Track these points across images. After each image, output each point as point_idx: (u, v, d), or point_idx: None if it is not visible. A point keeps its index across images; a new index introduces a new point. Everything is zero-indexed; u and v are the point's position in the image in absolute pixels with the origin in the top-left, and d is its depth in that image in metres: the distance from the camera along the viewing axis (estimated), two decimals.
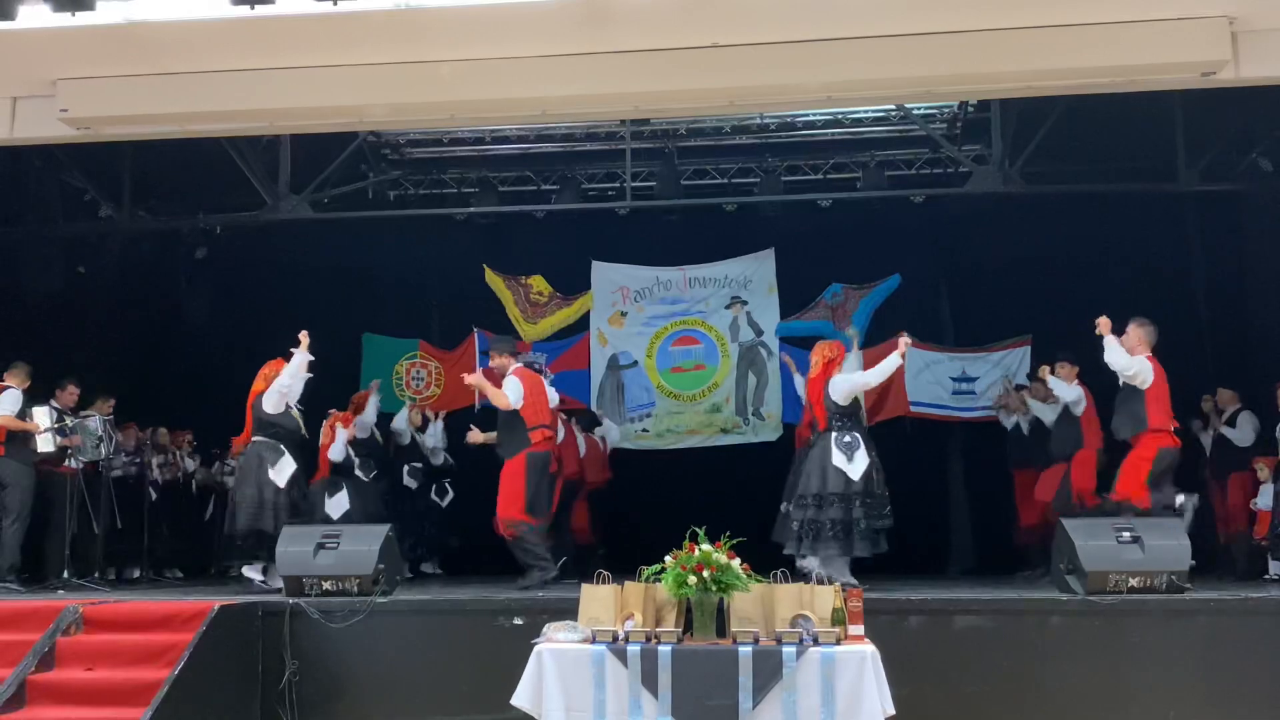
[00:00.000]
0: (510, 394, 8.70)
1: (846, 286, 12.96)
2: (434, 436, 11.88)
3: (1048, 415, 10.06)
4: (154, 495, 11.28)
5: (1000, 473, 11.23)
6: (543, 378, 9.72)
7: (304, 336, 8.75)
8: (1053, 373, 9.61)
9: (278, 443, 8.74)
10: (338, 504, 9.83)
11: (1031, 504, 10.38)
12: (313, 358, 8.86)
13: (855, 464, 8.09)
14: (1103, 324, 8.05)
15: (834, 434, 8.24)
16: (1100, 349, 8.18)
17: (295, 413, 8.88)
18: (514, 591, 8.02)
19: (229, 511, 8.97)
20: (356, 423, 10.34)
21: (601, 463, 12.01)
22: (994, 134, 11.03)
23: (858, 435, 8.24)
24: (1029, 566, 10.41)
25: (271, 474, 8.61)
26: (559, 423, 10.50)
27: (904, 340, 8.42)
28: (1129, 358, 8.02)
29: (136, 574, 11.05)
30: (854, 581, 7.87)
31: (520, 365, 9.07)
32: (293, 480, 8.71)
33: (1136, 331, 8.18)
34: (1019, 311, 12.37)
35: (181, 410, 12.23)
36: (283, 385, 8.70)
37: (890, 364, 8.33)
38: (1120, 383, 8.24)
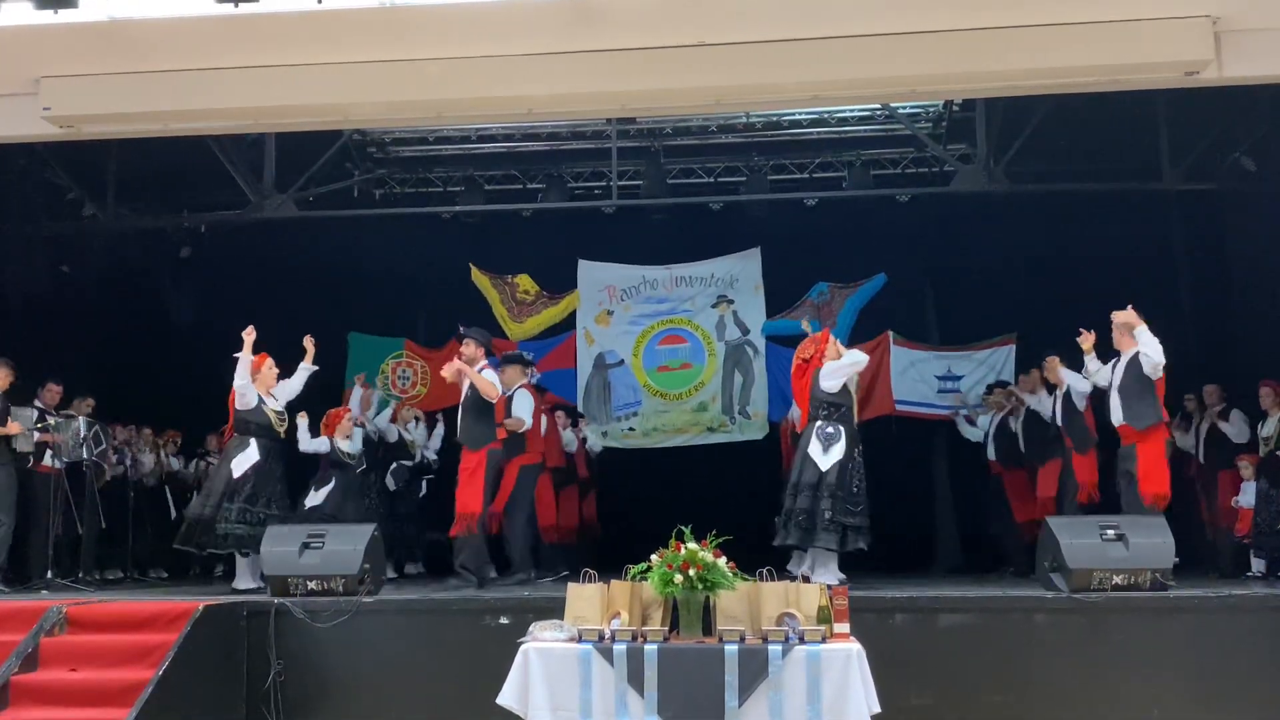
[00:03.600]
0: (498, 383, 8.74)
1: (832, 285, 13.00)
2: (427, 437, 11.87)
3: (1046, 409, 10.05)
4: (137, 495, 11.21)
5: (985, 471, 11.26)
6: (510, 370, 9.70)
7: (247, 334, 8.72)
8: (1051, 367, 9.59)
9: (247, 437, 8.77)
10: (313, 498, 9.83)
11: (1030, 501, 10.40)
12: (253, 356, 8.80)
13: (829, 455, 8.07)
14: (1130, 316, 8.04)
15: (818, 424, 8.25)
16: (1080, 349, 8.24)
17: (268, 409, 8.87)
18: (499, 590, 8.02)
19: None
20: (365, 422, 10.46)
21: (584, 461, 12.00)
22: (979, 133, 11.07)
23: (841, 429, 8.21)
24: (1010, 564, 10.48)
25: (233, 464, 8.69)
26: (544, 416, 10.52)
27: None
28: (1160, 347, 7.97)
29: (120, 574, 11.00)
30: (842, 578, 7.89)
31: (488, 363, 9.07)
32: (253, 469, 8.71)
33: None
34: (1004, 310, 12.42)
35: (166, 410, 12.18)
36: (236, 384, 8.74)
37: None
38: (1106, 376, 8.27)
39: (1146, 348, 7.99)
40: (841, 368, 8.32)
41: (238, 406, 8.82)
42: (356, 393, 11.05)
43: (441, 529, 11.40)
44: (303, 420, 9.77)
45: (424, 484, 11.76)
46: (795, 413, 10.15)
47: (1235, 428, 10.17)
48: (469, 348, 9.08)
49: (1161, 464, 8.04)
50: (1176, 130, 10.72)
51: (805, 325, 10.25)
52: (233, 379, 8.78)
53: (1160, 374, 8.00)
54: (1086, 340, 8.47)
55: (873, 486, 8.38)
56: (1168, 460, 8.20)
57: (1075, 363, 9.11)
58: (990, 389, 11.62)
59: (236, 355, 8.72)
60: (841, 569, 8.36)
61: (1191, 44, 7.19)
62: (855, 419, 8.49)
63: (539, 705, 5.30)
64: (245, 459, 8.72)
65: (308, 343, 9.20)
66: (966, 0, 7.08)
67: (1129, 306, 8.13)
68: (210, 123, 8.56)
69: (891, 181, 12.60)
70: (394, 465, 11.41)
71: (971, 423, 11.61)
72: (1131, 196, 11.49)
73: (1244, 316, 11.29)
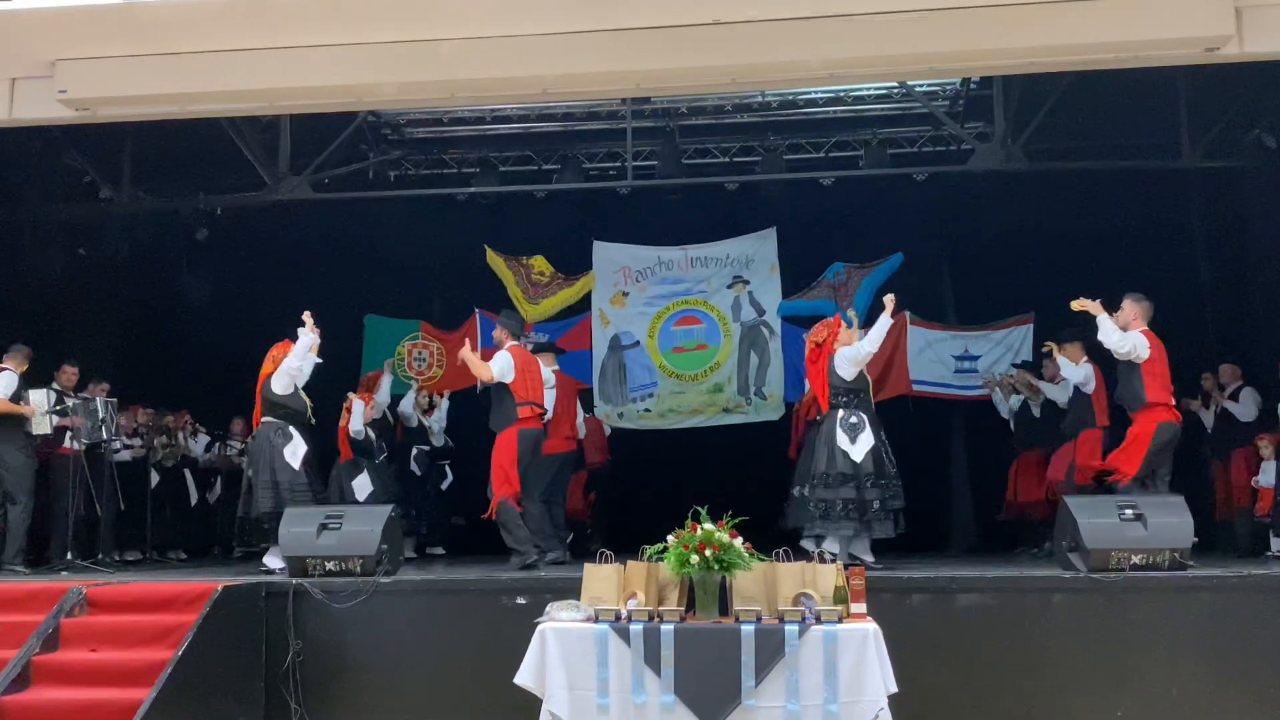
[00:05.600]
0: (495, 367, 8.70)
1: (849, 265, 12.93)
2: (439, 420, 11.89)
3: (1060, 395, 10.04)
4: (157, 477, 11.27)
5: (1003, 451, 11.23)
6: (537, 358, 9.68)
7: (308, 317, 8.74)
8: (1060, 351, 9.56)
9: (286, 424, 8.75)
10: (362, 486, 9.88)
11: (1038, 482, 10.37)
12: (317, 338, 8.84)
13: (858, 445, 8.07)
14: (1090, 305, 8.04)
15: (840, 413, 8.23)
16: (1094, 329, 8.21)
17: (304, 395, 8.88)
18: (515, 572, 8.04)
19: (244, 495, 8.98)
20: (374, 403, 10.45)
21: (601, 444, 12.01)
22: (996, 111, 10.98)
23: (863, 416, 8.21)
24: (1029, 544, 10.44)
25: (286, 455, 8.63)
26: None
27: (888, 299, 8.43)
28: (1121, 334, 8.00)
29: (139, 555, 11.06)
30: (873, 561, 7.88)
31: (516, 344, 9.05)
32: (305, 461, 8.71)
33: (1132, 307, 8.18)
34: (1021, 289, 12.33)
35: (182, 392, 12.22)
36: (290, 367, 8.71)
37: (882, 325, 8.33)
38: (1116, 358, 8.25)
39: (1103, 338, 8.02)
40: (857, 358, 8.29)
41: (276, 391, 8.76)
42: (387, 380, 11.01)
43: (463, 512, 11.50)
44: (360, 405, 9.86)
45: (446, 468, 11.80)
46: (808, 394, 10.12)
47: (1243, 407, 10.15)
48: (497, 332, 9.12)
49: (1137, 444, 8.02)
50: (1196, 107, 10.62)
51: (852, 314, 10.16)
52: (249, 358, 8.78)
53: (1139, 357, 7.97)
54: (1094, 307, 8.31)
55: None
56: (1161, 445, 8.10)
57: (1095, 347, 9.06)
58: (1018, 369, 11.53)
59: (301, 330, 8.71)
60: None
61: (1212, 19, 7.11)
62: (873, 402, 8.48)
63: (556, 685, 5.32)
64: (297, 447, 8.70)
65: (306, 317, 9.09)
66: None
67: (1080, 298, 8.09)
68: (225, 105, 8.56)
69: (908, 160, 12.52)
70: (415, 450, 11.45)
71: (1007, 397, 11.50)
72: (1151, 174, 11.39)
73: (1263, 294, 11.19)
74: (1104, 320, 8.03)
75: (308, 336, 8.71)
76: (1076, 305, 8.11)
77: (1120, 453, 8.14)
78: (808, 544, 8.39)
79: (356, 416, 9.95)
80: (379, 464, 10.38)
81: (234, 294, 13.23)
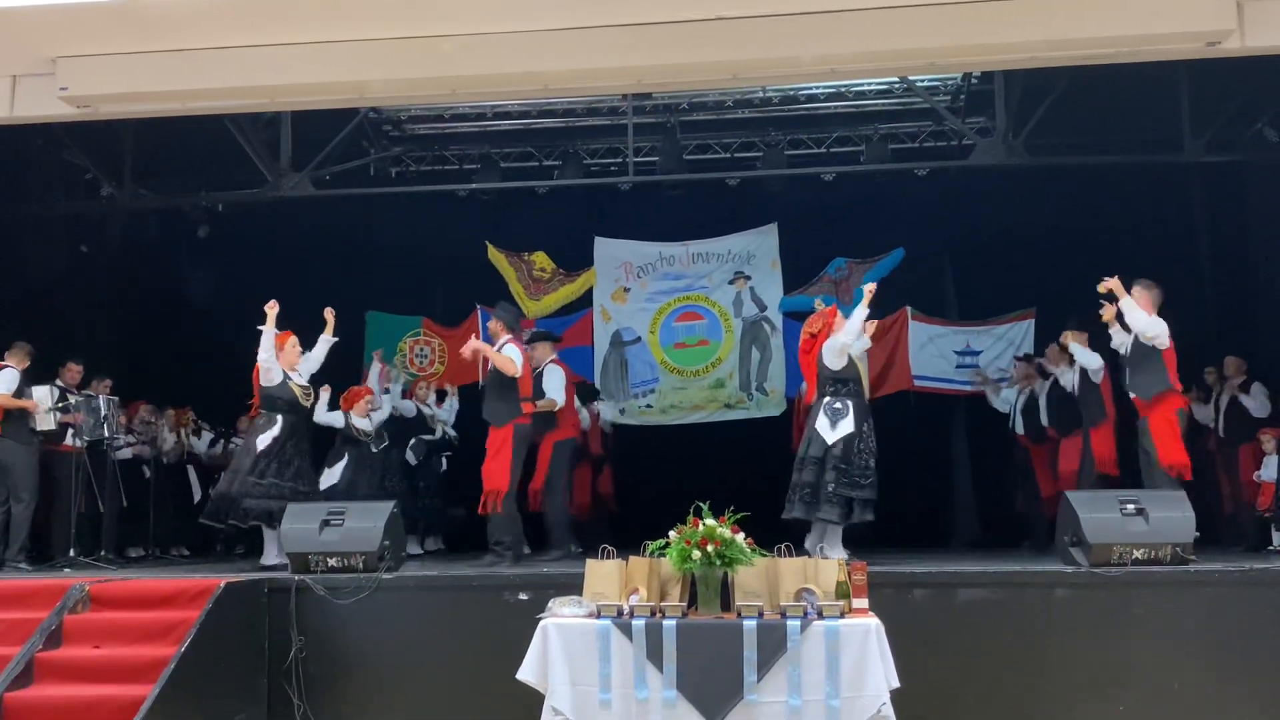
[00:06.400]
0: (517, 360, 8.72)
1: (850, 260, 12.92)
2: (449, 412, 11.89)
3: (1068, 382, 9.99)
4: (158, 474, 11.27)
5: (1004, 445, 11.23)
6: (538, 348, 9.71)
7: (269, 308, 8.69)
8: (1074, 338, 9.52)
9: (273, 413, 8.79)
10: (328, 476, 9.87)
11: (1054, 475, 10.38)
12: (277, 330, 8.76)
13: (836, 430, 8.02)
14: (1115, 285, 7.97)
15: (825, 399, 8.21)
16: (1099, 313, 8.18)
17: (293, 384, 8.88)
18: (523, 566, 8.04)
19: None
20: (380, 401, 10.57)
21: (598, 437, 12.01)
22: (998, 106, 10.98)
23: (849, 403, 8.14)
24: (1033, 539, 10.44)
25: (257, 440, 8.70)
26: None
27: (867, 288, 8.38)
28: (1149, 318, 7.93)
29: (142, 552, 11.07)
30: (844, 554, 7.86)
31: (512, 336, 9.05)
32: (276, 442, 8.71)
33: (1143, 294, 8.11)
34: (1023, 284, 12.34)
35: (183, 388, 12.23)
36: (260, 359, 8.73)
37: (858, 314, 8.25)
38: (1126, 346, 8.21)
39: (1132, 320, 7.95)
40: (834, 347, 8.26)
41: (262, 383, 8.82)
42: (375, 369, 11.09)
43: (463, 504, 11.49)
44: (325, 392, 9.79)
45: (444, 460, 11.79)
46: (805, 388, 10.13)
47: (1256, 401, 10.12)
48: (493, 324, 9.10)
49: (1173, 433, 7.97)
50: (1198, 101, 10.61)
51: (818, 304, 10.19)
52: (253, 356, 8.79)
53: (1161, 343, 7.93)
54: (1108, 312, 8.41)
55: (891, 462, 8.35)
56: (1183, 431, 8.10)
57: (1094, 334, 9.06)
58: (1019, 361, 11.52)
59: (260, 327, 8.71)
60: (860, 543, 8.34)
61: (1213, 14, 7.11)
62: (865, 393, 8.44)
63: (558, 680, 5.33)
64: (269, 433, 8.74)
65: (328, 314, 9.21)
66: None
67: (1111, 278, 8.04)
68: (226, 101, 8.57)
69: (910, 155, 12.51)
70: (412, 440, 11.44)
71: (998, 392, 11.51)
72: (1152, 169, 11.38)
73: (1266, 289, 11.19)
74: (1129, 303, 7.95)
75: (270, 330, 8.71)
76: (1104, 286, 8.02)
77: (1167, 448, 7.94)
78: (809, 545, 8.39)
79: (321, 410, 9.92)
80: (376, 454, 10.35)
81: (235, 291, 13.17)
